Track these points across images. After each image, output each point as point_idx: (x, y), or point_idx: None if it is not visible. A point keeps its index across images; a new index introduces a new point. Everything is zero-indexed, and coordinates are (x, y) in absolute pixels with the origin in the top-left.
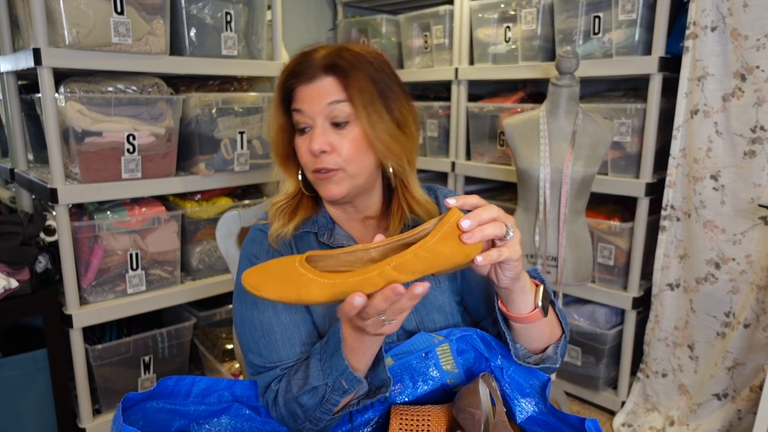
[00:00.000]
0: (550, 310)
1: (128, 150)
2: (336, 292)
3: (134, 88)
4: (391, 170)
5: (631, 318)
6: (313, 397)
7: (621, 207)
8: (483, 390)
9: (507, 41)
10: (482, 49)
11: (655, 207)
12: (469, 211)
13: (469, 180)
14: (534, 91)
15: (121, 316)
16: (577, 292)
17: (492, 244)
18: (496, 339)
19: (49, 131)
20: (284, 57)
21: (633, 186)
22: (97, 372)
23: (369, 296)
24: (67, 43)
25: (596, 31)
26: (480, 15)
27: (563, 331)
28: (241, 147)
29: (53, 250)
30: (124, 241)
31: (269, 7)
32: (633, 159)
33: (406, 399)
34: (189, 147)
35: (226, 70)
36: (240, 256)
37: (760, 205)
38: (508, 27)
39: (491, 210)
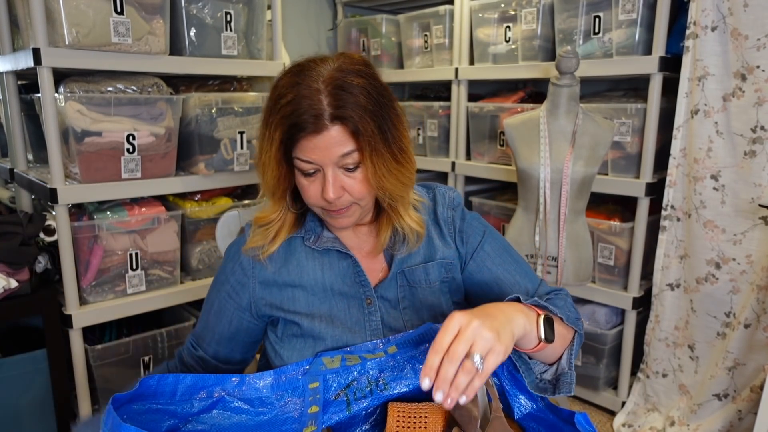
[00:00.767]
0: (557, 323)
1: (128, 150)
2: None
3: (134, 88)
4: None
5: (631, 318)
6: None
7: (621, 207)
8: (480, 389)
9: (507, 41)
10: (482, 49)
11: (656, 207)
12: None
13: (469, 180)
14: (534, 91)
15: (121, 316)
16: (577, 292)
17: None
18: None
19: (48, 131)
20: (284, 57)
21: (633, 186)
22: (96, 372)
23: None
24: (66, 42)
25: (596, 30)
26: (480, 15)
27: (575, 330)
28: (241, 147)
29: (53, 250)
30: (124, 241)
31: (269, 7)
32: (633, 159)
33: (406, 389)
34: (189, 147)
35: (226, 70)
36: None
37: (761, 205)
38: (508, 27)
39: (451, 356)
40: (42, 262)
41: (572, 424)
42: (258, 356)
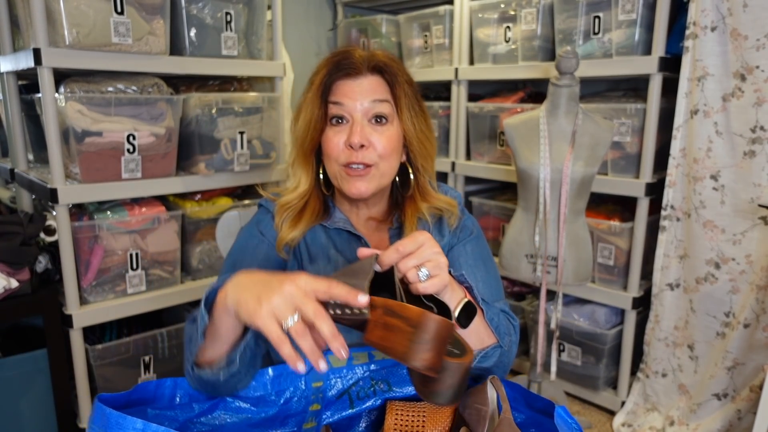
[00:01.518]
0: (480, 320)
1: (128, 150)
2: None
3: (134, 88)
4: (416, 172)
5: (631, 318)
6: (190, 326)
7: (621, 207)
8: (491, 391)
9: (507, 41)
10: (482, 49)
11: (655, 207)
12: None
13: (469, 180)
14: (534, 91)
15: (121, 316)
16: (577, 292)
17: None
18: None
19: (49, 131)
20: (284, 57)
21: (633, 186)
22: (97, 372)
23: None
24: (67, 43)
25: (596, 31)
26: (480, 15)
27: (498, 341)
28: (241, 147)
29: (53, 250)
30: (124, 241)
31: (269, 7)
32: (633, 159)
33: (412, 392)
34: (189, 147)
35: (226, 70)
36: (245, 227)
37: (760, 205)
38: (508, 27)
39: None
40: (42, 262)
41: (547, 415)
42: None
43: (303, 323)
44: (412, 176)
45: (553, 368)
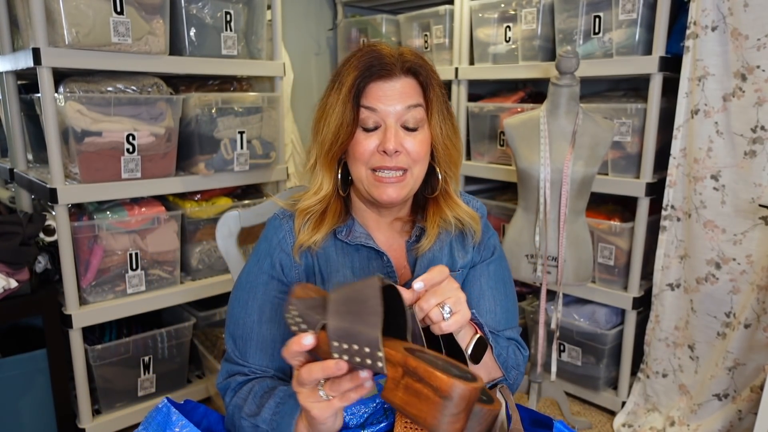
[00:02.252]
0: (489, 356)
1: (128, 150)
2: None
3: (134, 88)
4: (440, 177)
5: (631, 318)
6: (253, 430)
7: (621, 207)
8: (501, 400)
9: (507, 41)
10: (482, 49)
11: (656, 207)
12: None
13: (469, 180)
14: (534, 91)
15: (121, 316)
16: (577, 292)
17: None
18: None
19: (48, 131)
20: (284, 57)
21: (633, 186)
22: (96, 372)
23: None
24: (66, 42)
25: (596, 30)
26: (480, 15)
27: (503, 375)
28: (241, 147)
29: (53, 250)
30: (124, 241)
31: (269, 7)
32: (633, 159)
33: None
34: (189, 147)
35: (225, 70)
36: (260, 240)
37: (761, 205)
38: (508, 27)
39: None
40: (42, 262)
41: (546, 427)
42: None
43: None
44: (440, 176)
45: (554, 368)
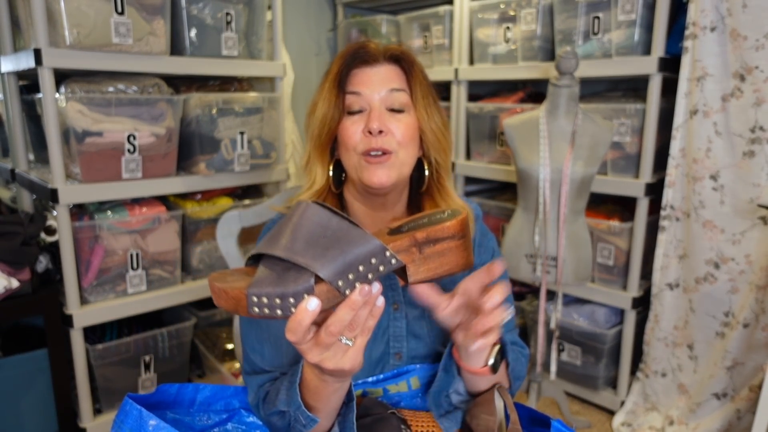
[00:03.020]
0: (502, 367)
1: (129, 150)
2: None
3: (135, 88)
4: (431, 166)
5: (630, 318)
6: (281, 420)
7: (621, 207)
8: (498, 401)
9: (507, 41)
10: (482, 50)
11: (655, 207)
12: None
13: (469, 180)
14: (534, 92)
15: (122, 316)
16: (576, 292)
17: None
18: None
19: (49, 131)
20: (284, 57)
21: (632, 186)
22: (97, 372)
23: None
24: (67, 43)
25: (596, 31)
26: (480, 15)
27: (510, 384)
28: (242, 147)
29: (54, 250)
30: (125, 241)
31: (269, 8)
32: (632, 159)
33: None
34: (189, 147)
35: (226, 70)
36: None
37: (760, 205)
38: (508, 27)
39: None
40: (43, 262)
41: (544, 426)
42: None
43: (351, 328)
44: (427, 171)
45: (553, 368)
